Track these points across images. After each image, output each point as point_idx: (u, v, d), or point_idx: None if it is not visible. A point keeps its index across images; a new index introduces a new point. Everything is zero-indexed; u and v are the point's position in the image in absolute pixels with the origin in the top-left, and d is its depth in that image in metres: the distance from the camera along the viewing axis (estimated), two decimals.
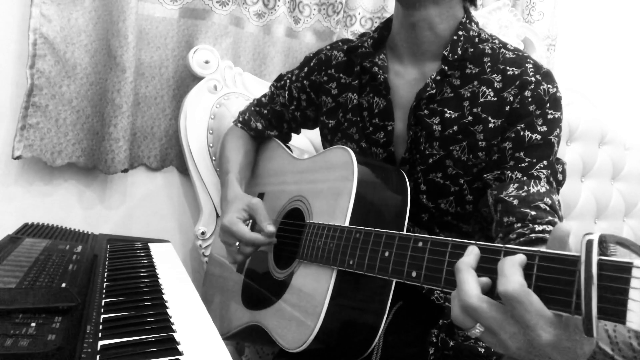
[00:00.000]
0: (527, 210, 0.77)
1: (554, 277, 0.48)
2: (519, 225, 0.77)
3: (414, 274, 0.63)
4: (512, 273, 0.48)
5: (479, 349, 0.86)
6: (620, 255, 0.45)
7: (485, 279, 0.52)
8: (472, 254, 0.53)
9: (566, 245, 0.50)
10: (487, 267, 0.52)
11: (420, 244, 0.63)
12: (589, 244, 0.45)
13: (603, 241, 0.45)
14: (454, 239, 0.59)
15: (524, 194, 0.78)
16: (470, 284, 0.51)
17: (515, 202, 0.78)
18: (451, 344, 0.87)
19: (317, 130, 1.10)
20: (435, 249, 0.61)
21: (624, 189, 1.94)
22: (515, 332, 0.49)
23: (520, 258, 0.50)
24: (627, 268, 0.43)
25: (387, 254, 0.68)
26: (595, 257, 0.44)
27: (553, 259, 0.49)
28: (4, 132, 1.22)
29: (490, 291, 0.51)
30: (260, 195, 1.08)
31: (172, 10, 1.36)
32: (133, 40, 1.23)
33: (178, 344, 0.61)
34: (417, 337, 0.89)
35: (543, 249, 0.50)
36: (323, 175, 0.90)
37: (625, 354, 1.22)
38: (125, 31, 1.22)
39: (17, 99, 1.20)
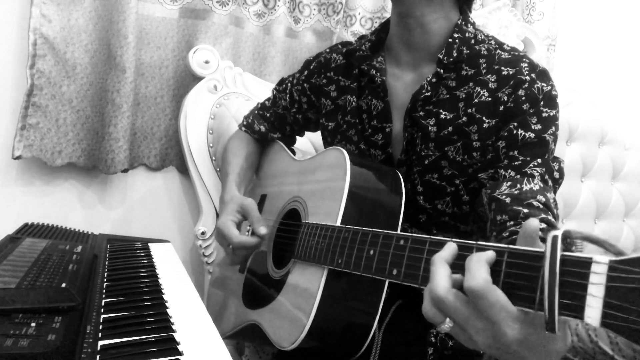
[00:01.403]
0: (520, 208, 0.77)
1: (521, 274, 0.48)
2: (512, 223, 0.76)
3: (394, 271, 0.63)
4: (477, 268, 0.48)
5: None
6: (588, 251, 0.45)
7: (457, 276, 0.52)
8: (448, 249, 0.54)
9: (535, 241, 0.50)
10: (460, 263, 0.53)
11: (401, 241, 0.63)
12: (554, 239, 0.45)
13: (567, 237, 0.45)
14: (432, 237, 0.59)
15: (516, 192, 0.78)
16: (441, 276, 0.51)
17: (508, 200, 0.78)
18: (450, 343, 0.87)
19: (319, 132, 1.10)
20: (414, 246, 0.61)
21: (624, 189, 1.94)
22: (481, 327, 0.49)
23: (488, 254, 0.50)
24: (587, 263, 0.43)
25: (371, 252, 0.68)
26: (559, 253, 0.44)
27: (520, 255, 0.49)
28: (4, 132, 1.22)
29: (461, 288, 0.51)
30: (263, 197, 1.08)
31: (172, 10, 1.36)
32: (133, 40, 1.23)
33: (178, 344, 0.61)
34: (416, 337, 0.89)
35: (513, 245, 0.50)
36: (318, 175, 0.91)
37: (625, 354, 1.22)
38: (125, 31, 1.22)
39: (17, 99, 1.20)
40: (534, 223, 0.51)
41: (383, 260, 0.65)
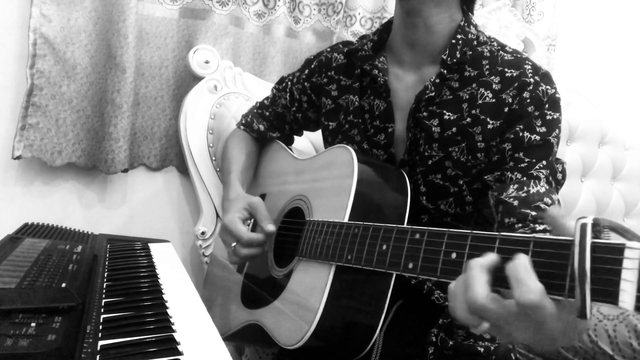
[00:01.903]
0: (528, 211, 0.77)
1: (549, 262, 0.48)
2: (520, 225, 0.77)
3: (410, 265, 0.63)
4: (529, 279, 0.48)
5: (478, 349, 0.86)
6: (613, 239, 0.46)
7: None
8: (489, 257, 0.52)
9: (565, 225, 0.51)
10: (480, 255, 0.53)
11: (417, 235, 0.63)
12: (583, 227, 0.45)
13: (596, 224, 0.46)
14: (450, 229, 0.59)
15: (524, 195, 0.79)
16: (480, 283, 0.50)
17: (516, 203, 0.79)
18: (450, 343, 0.87)
19: (318, 132, 1.10)
20: (431, 239, 0.61)
21: (624, 189, 1.94)
22: (525, 326, 0.50)
23: (526, 260, 0.49)
24: (619, 249, 0.43)
25: (384, 247, 0.68)
26: (589, 240, 0.45)
27: (547, 244, 0.49)
28: (4, 132, 1.22)
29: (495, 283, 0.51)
30: (263, 196, 1.08)
31: (172, 10, 1.36)
32: (133, 40, 1.23)
33: (178, 344, 0.61)
34: (416, 337, 0.89)
35: (538, 235, 0.51)
36: (324, 174, 0.91)
37: (625, 354, 1.22)
38: (125, 31, 1.22)
39: (17, 99, 1.20)
40: (556, 211, 0.52)
41: (397, 255, 0.66)
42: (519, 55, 0.89)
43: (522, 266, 0.49)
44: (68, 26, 1.22)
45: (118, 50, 1.22)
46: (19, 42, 1.21)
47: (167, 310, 0.71)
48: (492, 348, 0.87)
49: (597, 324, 1.27)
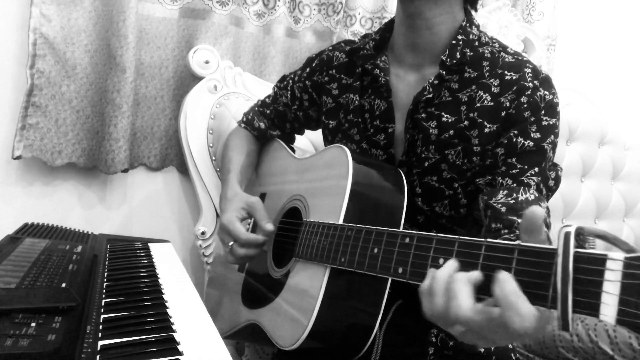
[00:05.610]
0: (514, 218, 0.77)
1: (532, 271, 0.47)
2: (506, 232, 0.77)
3: (400, 270, 0.63)
4: (520, 304, 0.47)
5: (479, 349, 0.86)
6: (599, 248, 0.45)
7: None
8: (474, 275, 0.52)
9: (541, 230, 0.49)
10: (468, 261, 0.53)
11: (407, 240, 0.63)
12: (567, 236, 0.44)
13: (580, 233, 0.44)
14: (439, 234, 0.59)
15: (512, 202, 0.79)
16: (465, 295, 0.50)
17: (504, 209, 0.78)
18: (451, 343, 0.87)
19: (318, 131, 1.10)
20: (420, 244, 0.61)
21: (624, 189, 1.94)
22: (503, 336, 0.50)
23: (513, 282, 0.48)
24: (601, 260, 0.42)
25: (375, 250, 0.68)
26: (572, 250, 0.44)
27: (531, 253, 0.48)
28: (4, 132, 1.22)
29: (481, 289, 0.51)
30: (262, 196, 1.08)
31: (172, 10, 1.36)
32: (133, 40, 1.23)
33: (178, 344, 0.61)
34: (416, 337, 0.89)
35: (522, 242, 0.50)
36: (320, 174, 0.91)
37: (625, 354, 1.22)
38: (125, 31, 1.22)
39: (17, 99, 1.20)
40: (539, 212, 0.49)
41: (388, 259, 0.65)
42: (519, 58, 0.88)
43: (511, 291, 0.47)
44: (68, 26, 1.22)
45: (118, 50, 1.22)
46: (19, 42, 1.21)
47: (167, 310, 0.71)
48: (492, 349, 0.87)
49: (597, 324, 1.27)
